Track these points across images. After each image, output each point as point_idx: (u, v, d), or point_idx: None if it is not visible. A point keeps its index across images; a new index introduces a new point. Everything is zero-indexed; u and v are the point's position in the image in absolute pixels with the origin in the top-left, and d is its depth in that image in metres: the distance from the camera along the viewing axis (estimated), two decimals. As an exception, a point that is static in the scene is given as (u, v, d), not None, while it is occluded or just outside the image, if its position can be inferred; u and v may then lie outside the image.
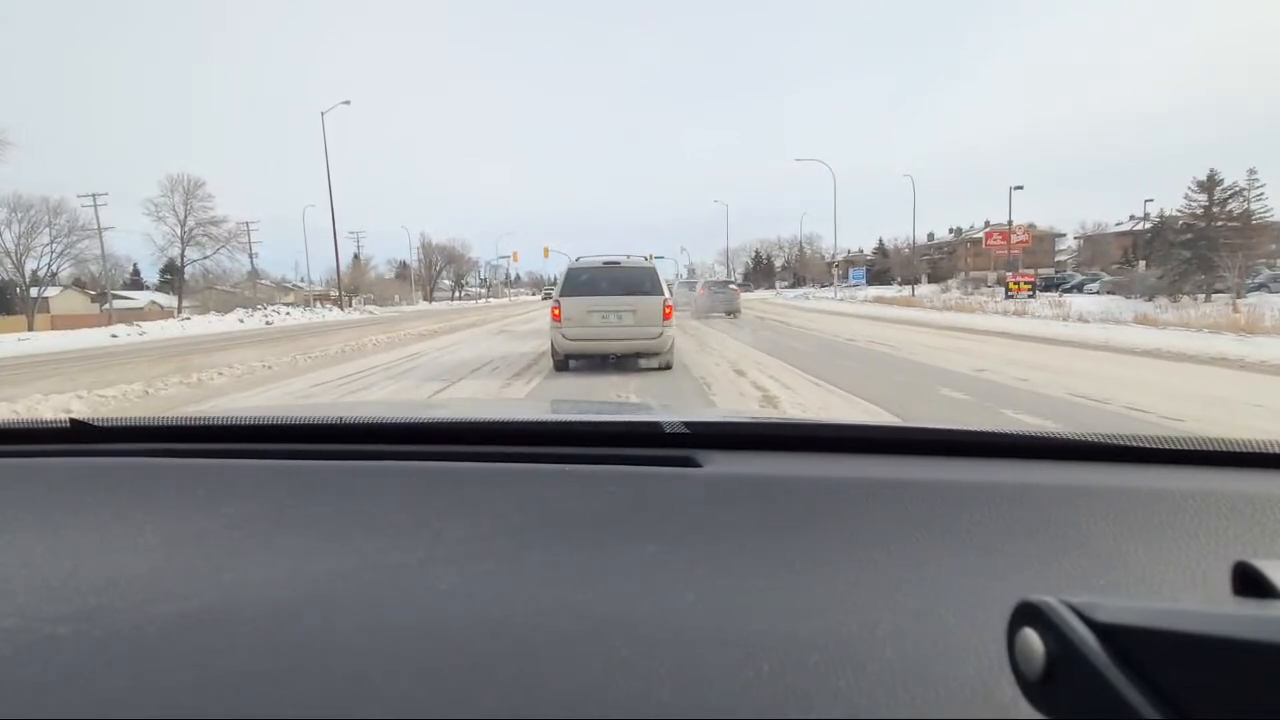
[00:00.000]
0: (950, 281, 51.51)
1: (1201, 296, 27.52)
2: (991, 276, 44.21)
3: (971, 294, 36.99)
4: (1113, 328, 14.44)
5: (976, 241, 56.51)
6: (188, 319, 29.49)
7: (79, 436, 0.97)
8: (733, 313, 22.37)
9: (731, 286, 24.31)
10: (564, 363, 9.02)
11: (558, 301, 8.76)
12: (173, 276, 50.78)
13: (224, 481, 0.79)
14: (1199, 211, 32.04)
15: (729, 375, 8.47)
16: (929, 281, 57.79)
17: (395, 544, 0.63)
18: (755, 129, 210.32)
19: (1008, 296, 29.91)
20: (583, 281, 8.91)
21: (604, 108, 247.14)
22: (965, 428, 0.85)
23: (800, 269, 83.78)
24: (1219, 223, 31.22)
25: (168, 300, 54.56)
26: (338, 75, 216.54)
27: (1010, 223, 39.92)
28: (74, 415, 0.97)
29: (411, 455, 0.88)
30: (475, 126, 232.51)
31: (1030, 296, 29.26)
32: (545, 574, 0.57)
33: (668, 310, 8.69)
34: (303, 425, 0.98)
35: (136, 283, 69.66)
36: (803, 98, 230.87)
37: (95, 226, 44.18)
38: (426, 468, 0.83)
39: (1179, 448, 0.80)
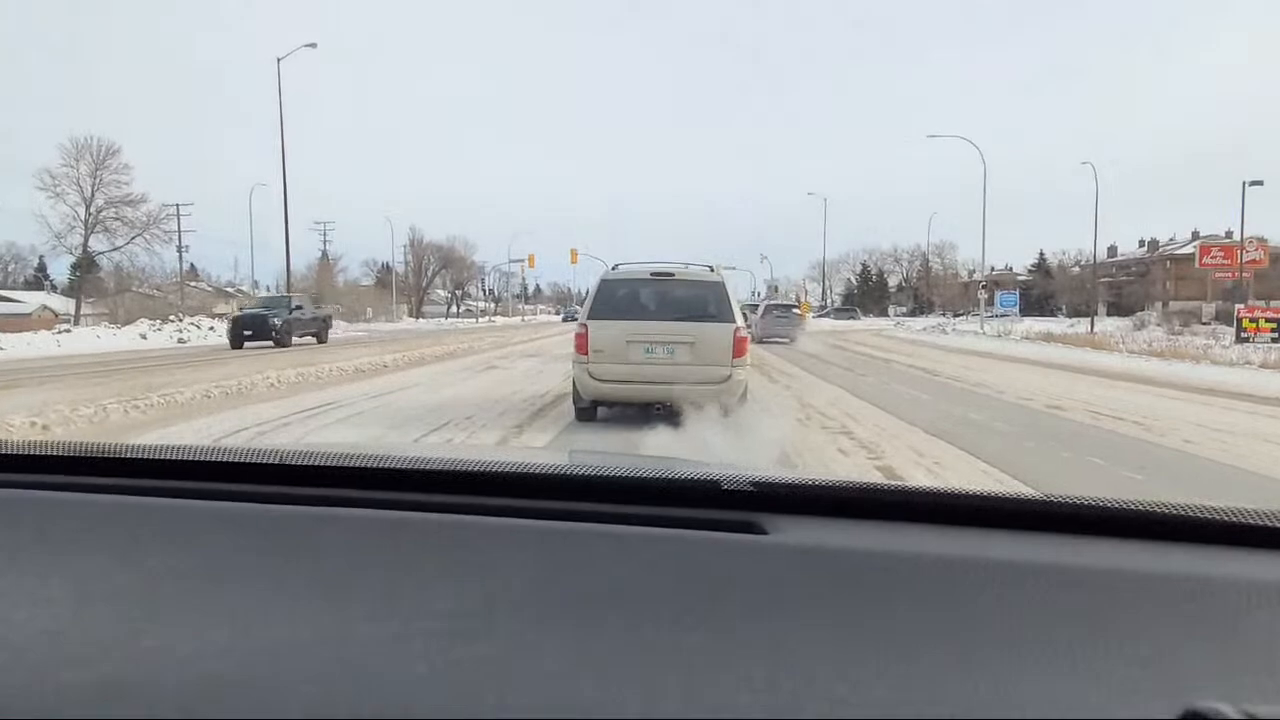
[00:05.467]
0: (1145, 314, 48.62)
1: None
2: (1208, 309, 41.46)
3: (1179, 332, 34.43)
4: None
5: (1182, 260, 53.70)
6: (66, 331, 28.94)
7: None
8: (791, 340, 28.91)
9: (795, 311, 33.61)
10: (590, 410, 8.76)
11: (584, 325, 8.49)
12: (82, 274, 50.83)
13: (148, 525, 0.81)
14: None
15: (866, 468, 6.55)
16: (1110, 313, 54.89)
17: (361, 613, 0.64)
18: (862, 105, 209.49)
19: (1241, 339, 27.30)
20: (621, 298, 8.69)
21: (658, 74, 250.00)
22: (1130, 503, 0.85)
23: (925, 289, 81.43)
24: None
25: (67, 304, 54.71)
26: (305, 22, 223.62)
27: (1238, 235, 37.22)
28: None
29: (392, 504, 0.89)
30: (489, 96, 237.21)
31: (1275, 339, 26.62)
32: (555, 663, 0.57)
33: (740, 343, 8.38)
34: (251, 463, 1.01)
35: (41, 281, 70.87)
36: (927, 64, 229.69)
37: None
38: (408, 519, 0.83)
39: None
